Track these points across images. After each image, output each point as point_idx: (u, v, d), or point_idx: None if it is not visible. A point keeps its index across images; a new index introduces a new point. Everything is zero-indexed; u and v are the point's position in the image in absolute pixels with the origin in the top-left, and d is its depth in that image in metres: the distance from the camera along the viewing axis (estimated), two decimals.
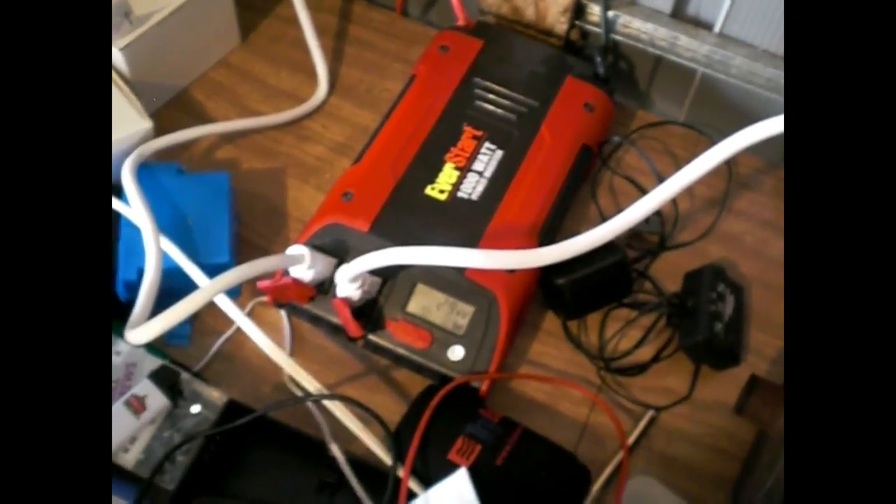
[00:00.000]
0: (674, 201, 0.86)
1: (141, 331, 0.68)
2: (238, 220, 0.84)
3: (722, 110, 0.95)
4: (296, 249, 0.72)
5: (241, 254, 0.82)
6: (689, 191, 0.87)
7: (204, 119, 0.91)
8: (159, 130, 0.83)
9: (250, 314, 0.79)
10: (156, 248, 0.73)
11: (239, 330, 0.76)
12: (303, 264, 0.72)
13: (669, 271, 0.83)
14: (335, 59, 0.96)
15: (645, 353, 0.79)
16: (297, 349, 0.78)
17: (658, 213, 0.84)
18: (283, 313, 0.79)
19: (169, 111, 0.91)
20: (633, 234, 0.84)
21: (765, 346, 0.80)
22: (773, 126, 0.63)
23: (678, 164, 0.89)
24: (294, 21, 0.93)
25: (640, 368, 0.78)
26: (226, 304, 0.75)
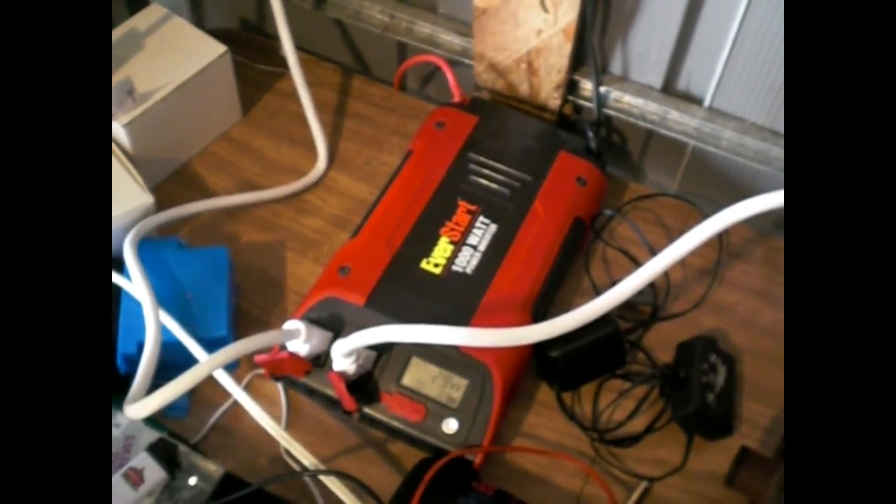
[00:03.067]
0: (665, 272, 0.87)
1: (140, 405, 0.69)
2: (237, 293, 0.85)
3: (713, 182, 0.97)
4: (292, 324, 0.73)
5: (239, 326, 0.83)
6: (681, 261, 0.88)
7: (205, 192, 0.93)
8: (161, 204, 0.85)
9: (248, 387, 0.80)
10: (155, 323, 0.74)
11: (236, 402, 0.77)
12: (299, 339, 0.73)
13: (662, 342, 0.84)
14: (334, 133, 0.99)
15: (638, 424, 0.79)
16: (294, 421, 0.79)
17: (651, 285, 0.85)
18: (280, 386, 0.80)
19: (170, 185, 0.93)
20: (627, 305, 0.84)
21: (758, 415, 0.80)
22: (766, 201, 0.64)
23: (670, 235, 0.90)
24: (294, 96, 0.96)
25: (633, 439, 0.79)
26: (223, 378, 0.76)
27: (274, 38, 0.97)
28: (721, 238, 0.90)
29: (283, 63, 0.96)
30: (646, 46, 0.89)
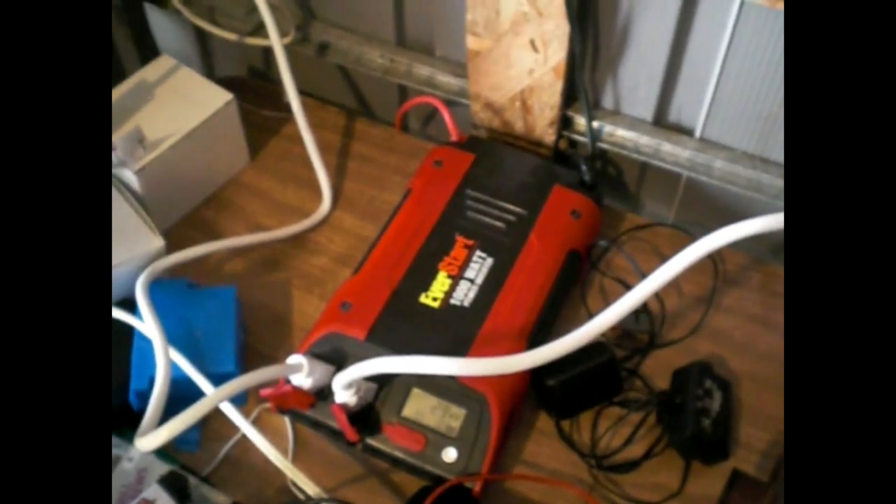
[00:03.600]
0: (661, 301, 0.89)
1: (150, 438, 0.72)
2: (245, 330, 0.88)
3: (708, 211, 0.99)
4: (294, 359, 0.76)
5: (247, 362, 0.86)
6: (678, 289, 0.91)
7: (215, 235, 0.96)
8: (173, 247, 0.89)
9: (256, 421, 0.82)
10: (165, 360, 0.77)
11: (245, 436, 0.80)
12: (301, 373, 0.76)
13: (660, 368, 0.85)
14: (338, 174, 1.02)
15: (637, 450, 0.81)
16: (300, 453, 0.81)
17: (647, 312, 0.88)
18: (286, 419, 0.82)
19: (182, 228, 0.97)
20: (624, 334, 0.87)
21: (754, 439, 0.82)
22: (750, 227, 0.66)
23: None
24: (299, 139, 0.99)
25: (631, 465, 0.80)
26: (232, 412, 0.79)
27: (280, 84, 1.01)
28: (716, 264, 0.92)
29: (288, 108, 0.99)
30: (635, 81, 0.92)
